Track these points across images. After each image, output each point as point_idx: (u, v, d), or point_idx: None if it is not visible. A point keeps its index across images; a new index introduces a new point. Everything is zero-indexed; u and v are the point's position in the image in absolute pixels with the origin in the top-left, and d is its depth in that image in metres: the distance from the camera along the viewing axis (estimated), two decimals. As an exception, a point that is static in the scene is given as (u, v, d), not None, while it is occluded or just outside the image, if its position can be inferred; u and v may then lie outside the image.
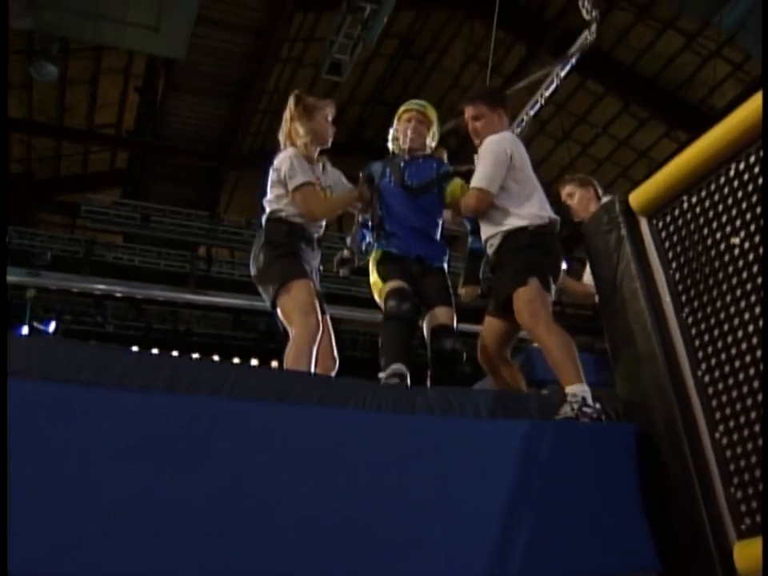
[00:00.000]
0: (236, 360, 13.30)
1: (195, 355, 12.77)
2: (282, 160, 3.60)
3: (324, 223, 3.77)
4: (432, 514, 2.12)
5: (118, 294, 13.82)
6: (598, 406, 2.85)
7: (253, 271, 3.55)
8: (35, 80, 13.33)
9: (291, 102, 3.71)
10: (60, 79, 13.67)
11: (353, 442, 2.14)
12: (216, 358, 13.22)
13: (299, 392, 2.32)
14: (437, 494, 2.16)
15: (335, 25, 11.61)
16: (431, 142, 3.98)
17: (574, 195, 4.66)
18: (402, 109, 4.06)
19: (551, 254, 3.35)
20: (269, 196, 3.63)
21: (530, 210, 3.34)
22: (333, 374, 3.52)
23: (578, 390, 2.89)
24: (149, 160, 16.40)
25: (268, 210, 3.60)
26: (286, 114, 3.73)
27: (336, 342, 3.63)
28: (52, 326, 13.09)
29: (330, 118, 3.77)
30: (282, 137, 3.75)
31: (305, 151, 3.63)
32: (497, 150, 3.39)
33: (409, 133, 3.89)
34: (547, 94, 11.38)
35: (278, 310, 3.38)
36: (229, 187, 18.30)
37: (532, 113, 11.67)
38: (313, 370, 3.16)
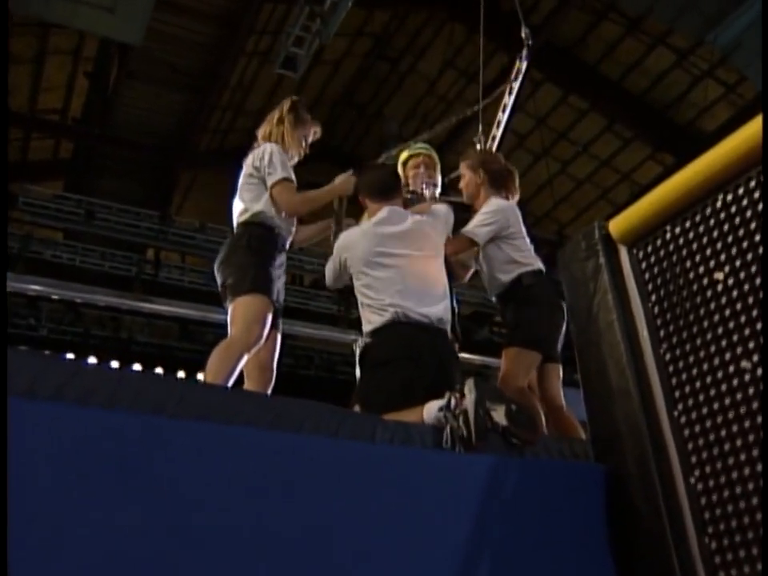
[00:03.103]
0: (181, 373, 13.18)
1: (137, 366, 12.62)
2: (263, 154, 3.72)
3: (294, 228, 3.88)
4: (384, 550, 2.11)
5: (55, 297, 13.61)
6: None
7: (222, 269, 3.67)
8: (-28, 56, 13.15)
9: (285, 105, 3.93)
10: (1, 57, 13.50)
11: (302, 468, 2.14)
12: (159, 370, 13.09)
13: (251, 413, 2.31)
14: (392, 528, 2.16)
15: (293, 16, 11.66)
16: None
17: (463, 177, 4.32)
18: (406, 154, 4.37)
19: None
20: (246, 195, 3.73)
21: None
22: (269, 386, 3.71)
23: None
24: (96, 152, 16.24)
25: (249, 212, 3.69)
26: (275, 116, 3.93)
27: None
28: (-21, 327, 12.86)
29: (309, 139, 3.98)
30: (261, 134, 3.93)
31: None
32: None
33: (425, 179, 4.31)
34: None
35: (230, 309, 3.56)
36: (183, 187, 18.21)
37: None
38: (233, 378, 3.34)
